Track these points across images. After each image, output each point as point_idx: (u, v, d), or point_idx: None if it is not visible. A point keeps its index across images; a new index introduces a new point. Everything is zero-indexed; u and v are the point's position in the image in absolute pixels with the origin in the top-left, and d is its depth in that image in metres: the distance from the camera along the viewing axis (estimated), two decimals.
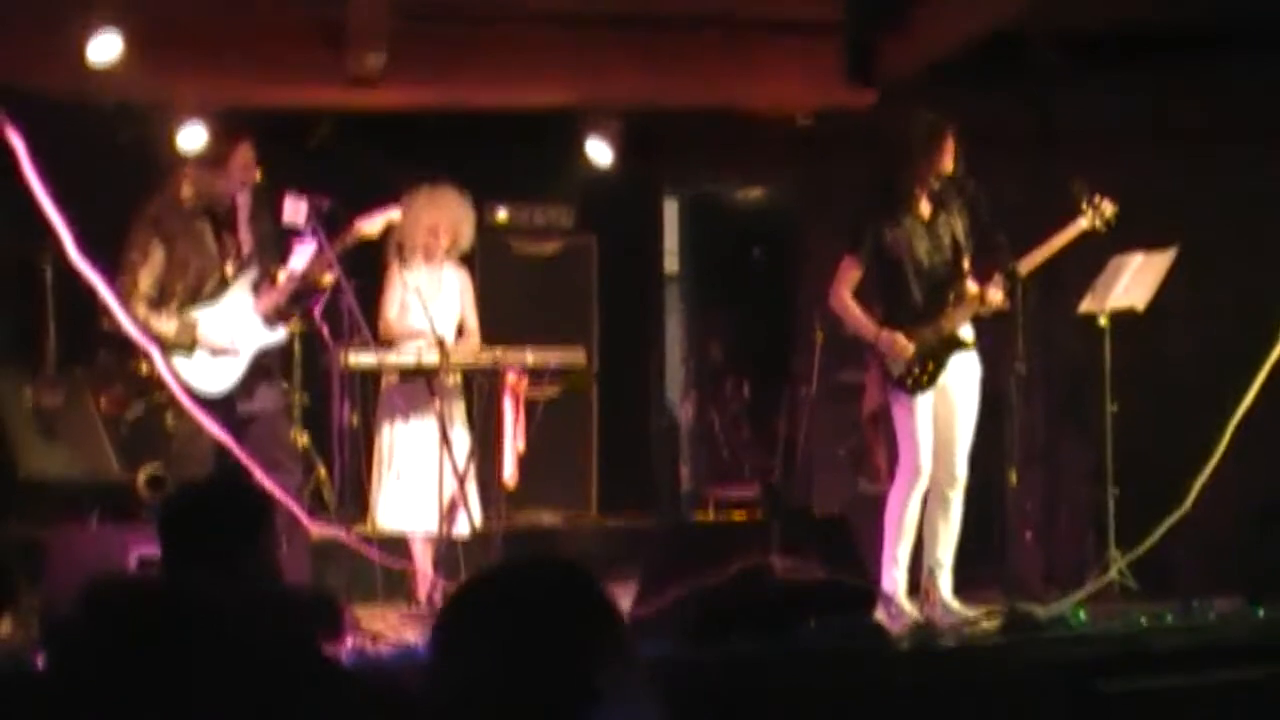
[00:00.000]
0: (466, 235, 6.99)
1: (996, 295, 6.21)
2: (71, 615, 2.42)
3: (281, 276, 6.36)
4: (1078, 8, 7.04)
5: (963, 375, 6.34)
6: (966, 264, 6.36)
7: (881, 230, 6.30)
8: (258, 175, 6.29)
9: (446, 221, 6.85)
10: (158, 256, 6.19)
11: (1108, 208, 6.28)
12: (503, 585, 2.01)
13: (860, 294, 6.41)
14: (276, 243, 6.48)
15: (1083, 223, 6.29)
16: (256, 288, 6.33)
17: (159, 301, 6.17)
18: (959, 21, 7.25)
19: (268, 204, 6.35)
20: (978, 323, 6.38)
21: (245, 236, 6.34)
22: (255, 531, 3.37)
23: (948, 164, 6.24)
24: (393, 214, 6.64)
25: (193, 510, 3.44)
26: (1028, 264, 6.24)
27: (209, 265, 6.27)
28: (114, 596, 2.39)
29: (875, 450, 7.27)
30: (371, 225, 6.54)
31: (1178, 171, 7.35)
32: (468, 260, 7.26)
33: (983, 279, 6.30)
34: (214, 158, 6.29)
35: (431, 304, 6.68)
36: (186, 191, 6.27)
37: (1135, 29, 7.30)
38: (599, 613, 1.98)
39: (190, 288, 6.22)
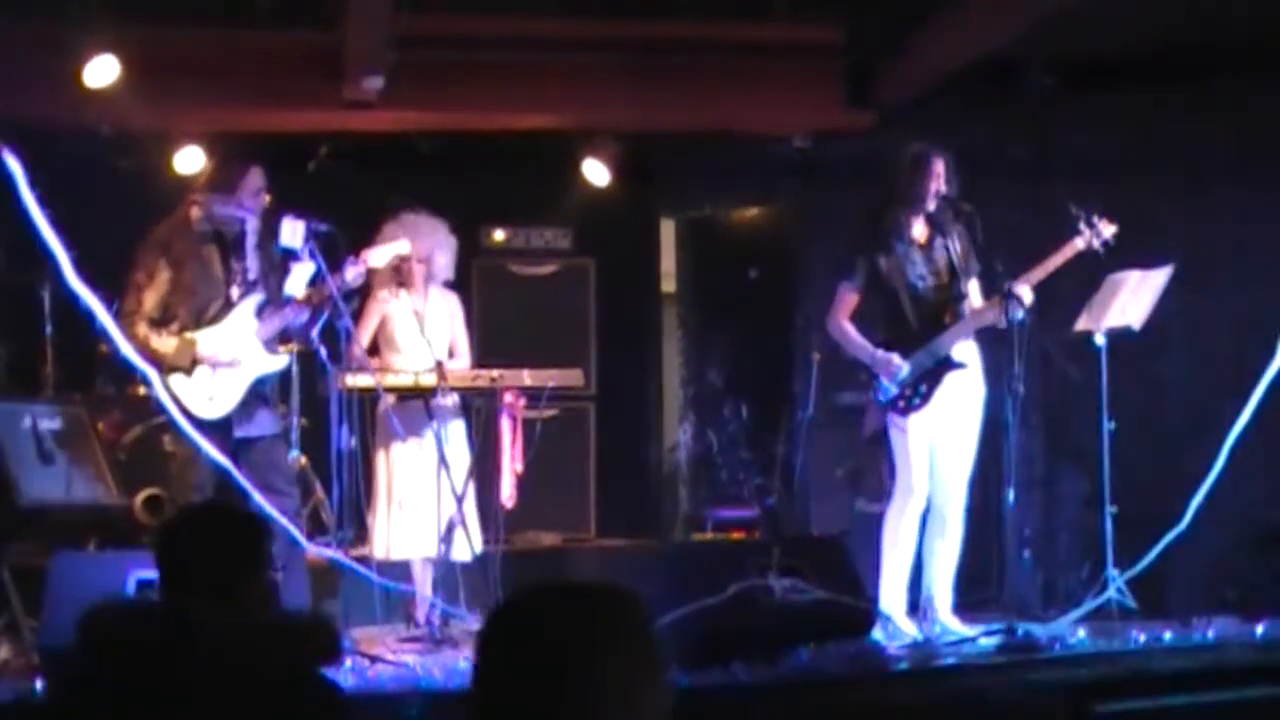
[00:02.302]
0: (441, 263, 6.97)
1: (1027, 293, 6.18)
2: (70, 643, 2.43)
3: (287, 305, 6.36)
4: (1074, 34, 7.06)
5: (964, 396, 6.36)
6: (968, 286, 6.38)
7: (875, 259, 6.34)
8: (267, 200, 6.31)
9: (418, 250, 6.84)
10: (163, 279, 6.21)
11: (1106, 228, 6.30)
12: (545, 605, 2.02)
13: (860, 317, 6.44)
14: (284, 268, 6.49)
15: (1079, 243, 6.30)
16: (260, 313, 6.34)
17: (161, 322, 6.19)
18: (957, 46, 7.27)
19: (273, 228, 6.36)
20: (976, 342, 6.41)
21: (253, 262, 6.36)
22: (253, 557, 3.37)
23: (939, 188, 6.27)
24: (400, 246, 6.65)
25: (190, 536, 3.44)
26: (1024, 283, 6.24)
27: (214, 290, 6.29)
28: (111, 624, 2.40)
29: (875, 471, 7.28)
30: (380, 257, 6.56)
31: (1173, 194, 7.36)
32: (465, 282, 7.27)
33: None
34: (224, 183, 6.31)
35: (420, 331, 6.70)
36: (196, 216, 6.30)
37: (1130, 54, 7.32)
38: (641, 636, 1.99)
39: (193, 311, 6.23)
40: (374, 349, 6.90)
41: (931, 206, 6.32)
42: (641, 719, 1.95)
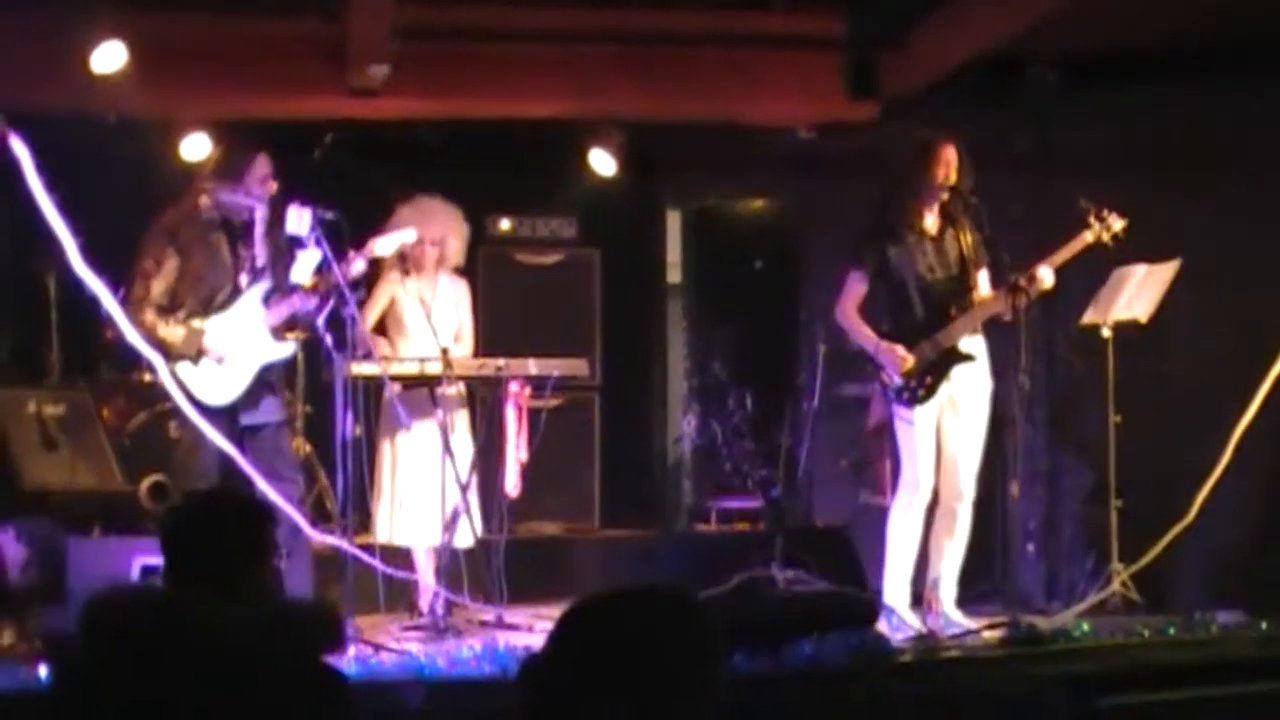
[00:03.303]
0: (454, 247, 6.99)
1: (1044, 279, 6.16)
2: (73, 631, 2.43)
3: (294, 293, 6.35)
4: (1078, 29, 7.05)
5: (972, 389, 6.34)
6: (978, 276, 6.37)
7: (886, 248, 6.32)
8: (274, 188, 6.31)
9: (432, 233, 6.85)
10: (171, 266, 6.21)
11: (1115, 222, 6.28)
12: (617, 609, 2.04)
13: (866, 308, 6.43)
14: (290, 255, 6.49)
15: (1088, 236, 6.29)
16: (267, 300, 6.34)
17: (168, 310, 6.19)
18: (960, 40, 7.26)
19: (280, 216, 6.36)
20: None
21: (260, 249, 6.36)
22: (257, 545, 3.37)
23: (949, 177, 6.26)
24: (407, 234, 6.65)
25: (194, 524, 3.44)
26: (1043, 266, 6.22)
27: (223, 277, 6.29)
28: (115, 611, 2.40)
29: (879, 463, 7.28)
30: (386, 245, 6.55)
31: (1176, 189, 7.35)
32: (470, 270, 7.28)
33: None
34: (231, 171, 6.31)
35: (428, 316, 6.70)
36: (204, 204, 6.30)
37: (1133, 49, 7.31)
38: (708, 642, 2.02)
39: (202, 299, 6.24)
40: (382, 329, 6.91)
41: (944, 196, 6.30)
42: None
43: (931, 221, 6.37)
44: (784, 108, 8.02)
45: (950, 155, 6.26)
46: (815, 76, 7.90)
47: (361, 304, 6.56)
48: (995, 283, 6.37)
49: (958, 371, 6.30)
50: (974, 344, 6.37)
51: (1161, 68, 7.30)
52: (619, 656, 1.97)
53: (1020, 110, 7.66)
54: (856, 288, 6.41)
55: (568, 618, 2.05)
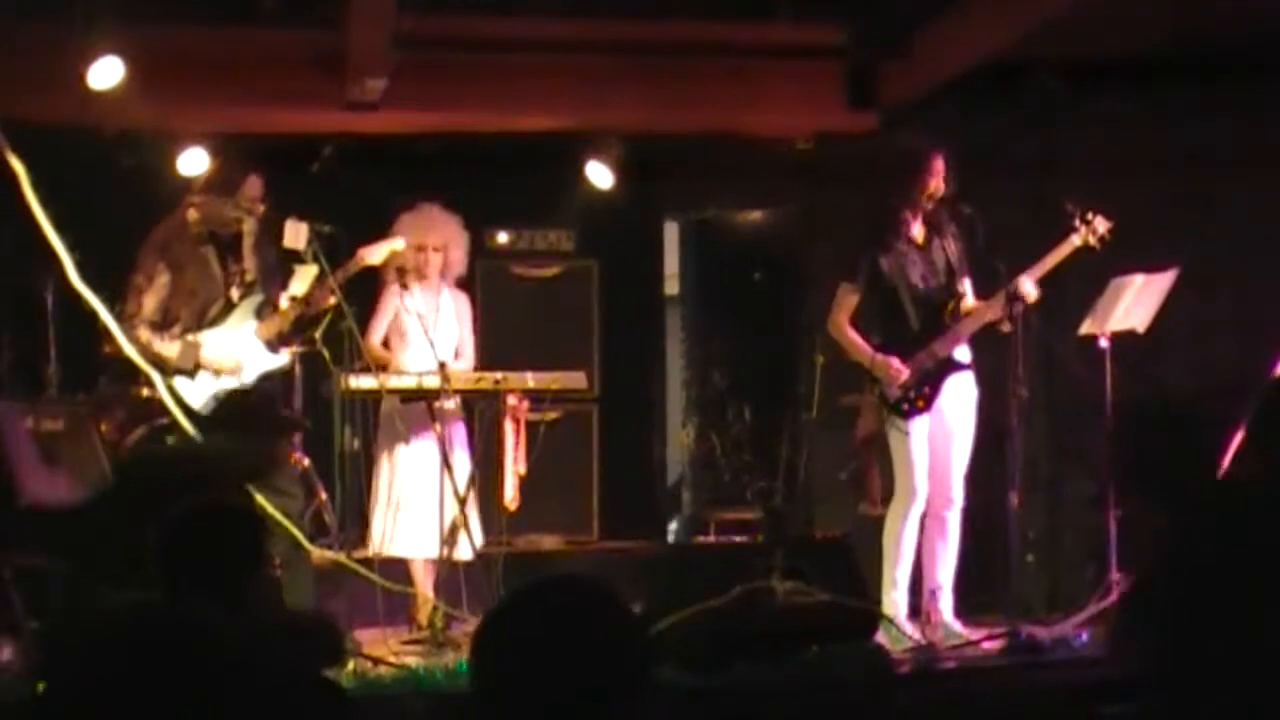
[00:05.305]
0: (457, 256, 6.99)
1: (1031, 286, 6.18)
2: (72, 645, 2.43)
3: (284, 302, 6.37)
4: (1078, 36, 7.06)
5: (959, 398, 6.35)
6: (963, 286, 6.38)
7: (877, 259, 6.33)
8: (263, 209, 6.31)
9: (434, 239, 6.86)
10: (163, 281, 6.22)
11: (1100, 224, 6.29)
12: (536, 600, 2.03)
13: (859, 319, 6.43)
14: (281, 269, 6.50)
15: (1075, 240, 6.29)
16: (260, 313, 6.34)
17: (162, 325, 6.20)
18: (960, 47, 7.27)
19: (271, 231, 6.37)
20: (977, 345, 6.40)
21: (250, 263, 6.36)
22: (255, 558, 3.37)
23: (936, 186, 6.26)
24: (396, 243, 6.65)
25: (192, 537, 3.44)
26: (1026, 277, 6.23)
27: (214, 291, 6.30)
28: (113, 625, 2.39)
29: (871, 474, 7.27)
30: (375, 254, 6.56)
31: (1176, 195, 7.36)
32: (468, 284, 7.28)
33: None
34: (223, 187, 6.31)
35: (430, 329, 6.69)
36: (194, 218, 6.30)
37: (1134, 56, 7.32)
38: (622, 629, 1.99)
39: (195, 313, 6.24)
40: (385, 340, 6.90)
41: (930, 205, 6.32)
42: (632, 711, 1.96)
43: (918, 231, 6.39)
44: (784, 118, 8.02)
45: (940, 165, 6.27)
46: (815, 86, 7.90)
47: (359, 318, 6.55)
48: (980, 292, 6.38)
49: (948, 380, 6.31)
50: (962, 352, 6.38)
51: (1161, 74, 7.32)
52: (532, 658, 1.96)
53: (1021, 117, 7.67)
54: (848, 300, 6.42)
55: (481, 628, 2.05)
